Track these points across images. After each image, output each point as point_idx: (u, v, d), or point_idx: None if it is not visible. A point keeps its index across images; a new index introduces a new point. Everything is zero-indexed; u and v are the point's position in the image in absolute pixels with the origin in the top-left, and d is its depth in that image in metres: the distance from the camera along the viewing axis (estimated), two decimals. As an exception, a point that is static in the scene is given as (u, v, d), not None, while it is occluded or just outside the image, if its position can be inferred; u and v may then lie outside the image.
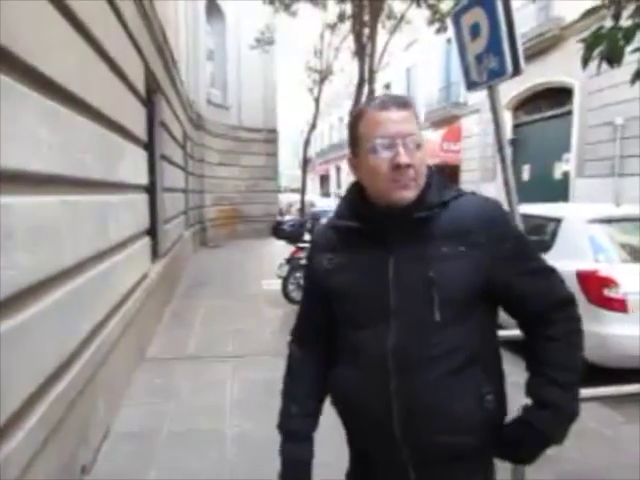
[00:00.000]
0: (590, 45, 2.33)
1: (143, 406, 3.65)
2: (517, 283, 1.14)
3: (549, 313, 1.15)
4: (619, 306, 3.65)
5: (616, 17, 2.18)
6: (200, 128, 13.44)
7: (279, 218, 8.16)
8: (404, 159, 1.06)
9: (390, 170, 1.08)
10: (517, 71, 3.09)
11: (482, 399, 1.11)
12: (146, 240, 4.99)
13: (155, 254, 6.18)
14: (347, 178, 33.37)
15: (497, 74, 3.17)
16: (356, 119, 1.15)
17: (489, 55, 3.21)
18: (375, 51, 8.77)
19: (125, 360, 3.87)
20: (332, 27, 12.13)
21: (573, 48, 11.90)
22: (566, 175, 12.34)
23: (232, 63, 15.85)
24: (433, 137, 17.68)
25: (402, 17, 10.83)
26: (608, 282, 3.70)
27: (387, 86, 24.81)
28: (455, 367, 1.09)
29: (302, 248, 6.83)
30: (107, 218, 3.37)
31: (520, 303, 1.17)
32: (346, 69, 18.71)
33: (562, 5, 12.01)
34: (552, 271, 1.18)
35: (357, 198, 1.20)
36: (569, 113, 12.23)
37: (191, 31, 12.52)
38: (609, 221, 4.26)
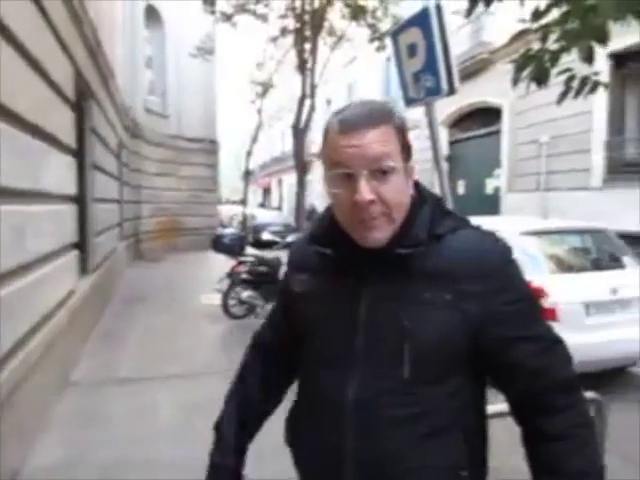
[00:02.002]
0: (520, 66, 2.42)
1: (64, 436, 3.37)
2: (513, 351, 0.92)
3: (550, 397, 0.92)
4: (550, 315, 3.80)
5: (543, 40, 2.28)
6: (137, 136, 12.98)
7: (219, 231, 7.97)
8: (362, 196, 0.87)
9: (351, 208, 0.89)
10: (452, 90, 3.19)
11: (455, 474, 0.93)
12: (73, 254, 4.69)
13: (84, 269, 5.83)
14: (289, 191, 33.43)
15: (433, 92, 3.25)
16: (324, 135, 0.96)
17: (426, 74, 3.28)
18: (316, 66, 8.86)
19: (45, 384, 3.58)
20: (274, 40, 12.13)
21: (501, 71, 12.62)
22: (497, 190, 12.97)
23: (172, 71, 15.49)
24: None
25: (342, 35, 11.03)
26: (539, 292, 3.85)
27: (328, 101, 25.15)
28: (424, 433, 0.92)
29: (243, 262, 6.68)
30: (25, 230, 3.12)
31: (514, 377, 0.95)
32: (288, 83, 18.74)
33: (491, 31, 12.70)
34: (558, 342, 0.96)
35: (332, 221, 1.00)
36: (499, 132, 12.88)
37: (128, 36, 12.11)
38: (539, 233, 4.47)
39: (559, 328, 4.02)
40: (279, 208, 33.00)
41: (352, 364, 0.95)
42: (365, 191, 0.87)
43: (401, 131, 0.92)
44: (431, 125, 3.40)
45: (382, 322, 0.94)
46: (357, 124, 0.89)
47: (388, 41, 9.39)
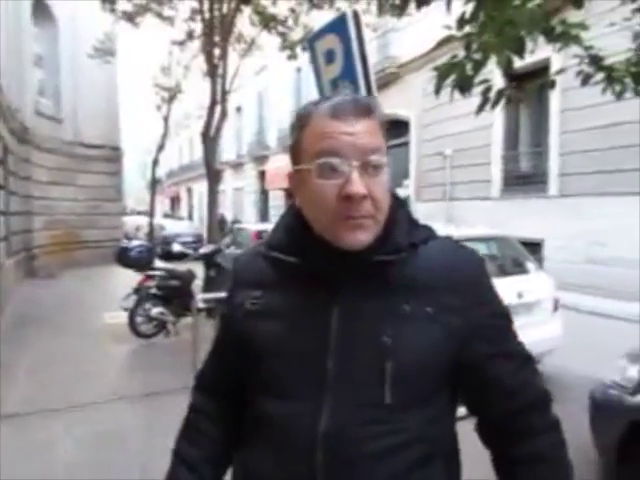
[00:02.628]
0: (442, 74, 2.44)
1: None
2: (493, 368, 0.87)
3: (527, 417, 0.88)
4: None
5: (467, 49, 2.30)
6: (26, 142, 11.83)
7: (124, 243, 7.42)
8: (357, 188, 0.77)
9: (338, 202, 0.79)
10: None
11: None
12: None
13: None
14: (200, 200, 32.48)
15: (351, 100, 3.23)
16: (299, 124, 0.85)
17: (344, 81, 3.24)
18: (227, 72, 8.62)
19: None
20: (180, 44, 11.68)
21: (409, 84, 13.19)
22: (407, 199, 13.49)
23: (67, 72, 14.36)
24: (286, 162, 17.98)
25: (253, 42, 10.88)
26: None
27: (238, 109, 24.85)
28: (407, 466, 0.81)
29: (152, 276, 6.25)
30: None
31: (491, 396, 0.88)
32: (196, 89, 18.19)
33: (398, 46, 13.27)
34: (531, 358, 0.93)
35: (298, 225, 0.89)
36: (407, 143, 13.43)
37: (12, 33, 11.04)
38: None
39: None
40: (190, 218, 31.93)
41: (322, 391, 0.82)
42: (360, 183, 0.78)
43: (384, 126, 0.85)
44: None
45: (358, 340, 0.82)
46: (350, 110, 0.81)
47: (299, 50, 9.41)
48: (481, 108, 2.60)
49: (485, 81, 2.46)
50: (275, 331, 0.87)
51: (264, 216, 22.60)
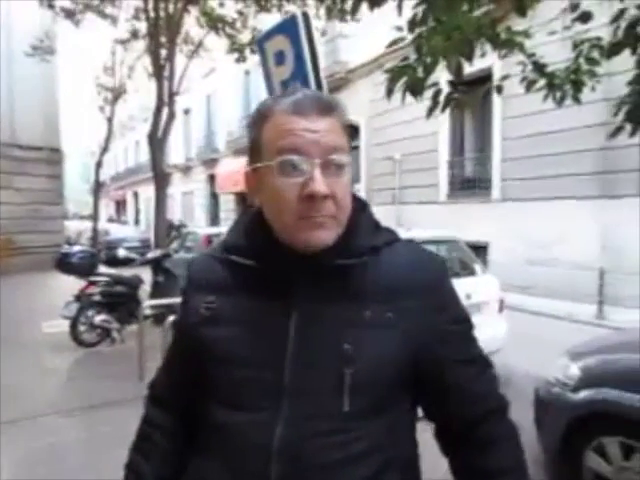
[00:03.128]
0: (394, 76, 2.46)
1: None
2: (453, 375, 0.85)
3: (487, 425, 0.86)
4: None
5: (418, 51, 2.33)
6: (-43, 142, 11.09)
7: (65, 249, 7.07)
8: (319, 187, 0.75)
9: (299, 201, 0.76)
10: (321, 100, 3.18)
11: None
12: None
13: None
14: (147, 204, 31.54)
15: (302, 102, 3.21)
16: (259, 120, 0.82)
17: (295, 82, 3.23)
18: (174, 74, 8.40)
19: None
20: (123, 43, 11.31)
21: (358, 90, 13.37)
22: (367, 202, 13.68)
23: (2, 71, 13.59)
24: (237, 165, 17.83)
25: (200, 43, 10.67)
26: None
27: (186, 111, 24.35)
28: (366, 476, 0.78)
29: (95, 282, 5.98)
30: None
31: (451, 403, 0.87)
32: (142, 90, 17.67)
33: (347, 51, 13.42)
34: (491, 366, 0.91)
35: (256, 227, 0.86)
36: (357, 148, 13.59)
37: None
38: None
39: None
40: (136, 222, 30.93)
41: (278, 401, 0.78)
42: (322, 182, 0.76)
43: (347, 128, 0.83)
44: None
45: (317, 347, 0.79)
46: (314, 108, 0.78)
47: (248, 53, 9.32)
48: (431, 112, 2.65)
49: (435, 84, 2.51)
50: (230, 337, 0.83)
51: (214, 220, 22.22)
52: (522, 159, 9.11)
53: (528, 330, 6.03)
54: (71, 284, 6.42)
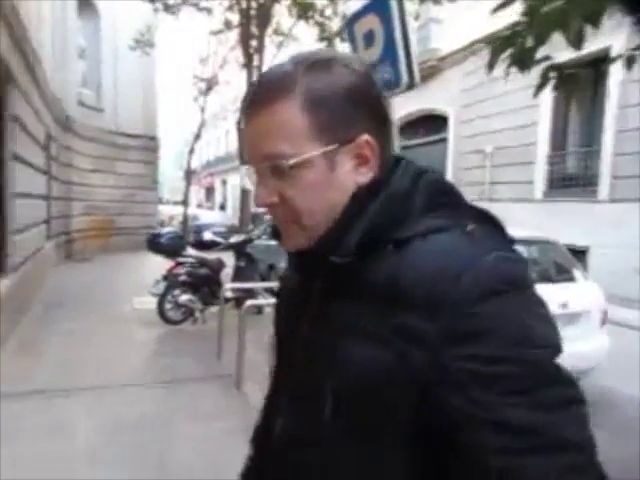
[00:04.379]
0: (498, 48, 2.21)
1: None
2: (471, 437, 0.55)
3: None
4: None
5: (529, 15, 2.03)
6: (69, 130, 12.11)
7: (156, 230, 7.46)
8: (256, 200, 0.69)
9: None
10: (412, 84, 3.00)
11: None
12: (-16, 253, 4.13)
13: (1, 269, 5.22)
14: (234, 192, 32.74)
15: (391, 85, 3.05)
16: None
17: (384, 65, 3.08)
18: (263, 64, 8.52)
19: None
20: (216, 34, 11.67)
21: (448, 79, 12.81)
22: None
23: (108, 63, 14.64)
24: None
25: (289, 32, 10.75)
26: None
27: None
28: None
29: (182, 263, 6.24)
30: None
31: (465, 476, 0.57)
32: (234, 82, 18.20)
33: (439, 38, 12.92)
34: (577, 447, 0.54)
35: None
36: (445, 140, 13.09)
37: (58, 26, 11.31)
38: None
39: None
40: (222, 208, 32.22)
41: (281, 399, 0.77)
42: (259, 193, 0.68)
43: (320, 100, 0.63)
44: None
45: (316, 349, 0.69)
46: (250, 102, 0.67)
47: (337, 42, 9.24)
48: (540, 89, 2.36)
49: (547, 58, 2.21)
50: (278, 318, 0.86)
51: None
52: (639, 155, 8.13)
53: (633, 349, 5.34)
54: (160, 264, 6.76)
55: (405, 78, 2.92)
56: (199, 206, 33.86)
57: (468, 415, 0.55)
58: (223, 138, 35.10)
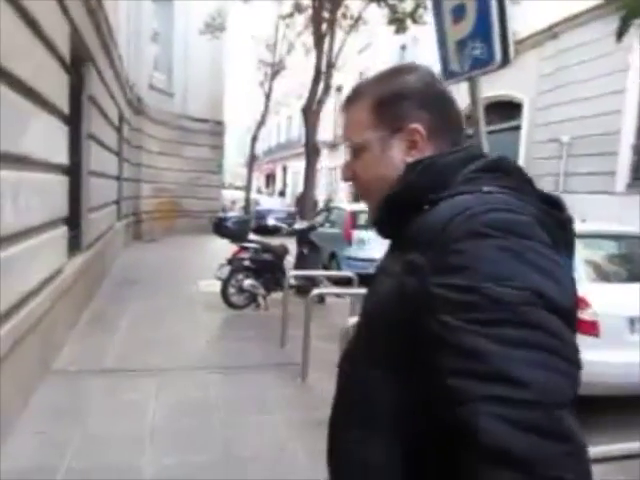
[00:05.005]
0: (632, 12, 1.93)
1: (39, 435, 2.96)
2: (435, 359, 0.62)
3: (468, 467, 0.57)
4: (590, 330, 3.37)
5: None
6: (140, 113, 12.48)
7: (222, 214, 7.52)
8: (341, 174, 0.95)
9: None
10: (506, 61, 2.73)
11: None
12: (62, 230, 4.26)
13: (76, 246, 5.40)
14: (294, 179, 32.92)
15: (482, 63, 2.78)
16: None
17: (475, 40, 2.83)
18: (333, 45, 8.33)
19: (21, 373, 3.16)
20: (287, 17, 11.58)
21: (525, 63, 12.06)
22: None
23: (179, 48, 14.95)
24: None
25: (359, 17, 10.47)
26: (580, 303, 3.42)
27: (338, 88, 24.58)
28: (354, 424, 0.78)
29: (246, 248, 6.24)
30: None
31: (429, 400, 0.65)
32: (298, 68, 18.14)
33: (516, 20, 12.15)
34: (527, 385, 0.56)
35: None
36: (518, 127, 12.39)
37: (133, 10, 11.61)
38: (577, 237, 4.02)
39: (599, 344, 3.50)
40: (282, 195, 32.49)
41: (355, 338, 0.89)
42: (342, 170, 0.92)
43: (382, 101, 0.85)
44: (475, 105, 2.94)
45: (367, 296, 0.88)
46: (343, 104, 0.92)
47: (409, 23, 8.89)
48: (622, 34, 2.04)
49: None
50: None
51: (357, 197, 22.28)
52: None
53: None
54: (224, 247, 6.81)
55: (499, 55, 2.65)
56: (259, 192, 34.33)
57: (438, 336, 0.62)
58: (284, 125, 35.28)
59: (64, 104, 4.15)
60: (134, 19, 11.79)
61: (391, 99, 0.83)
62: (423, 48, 16.89)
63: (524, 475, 0.52)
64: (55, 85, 3.84)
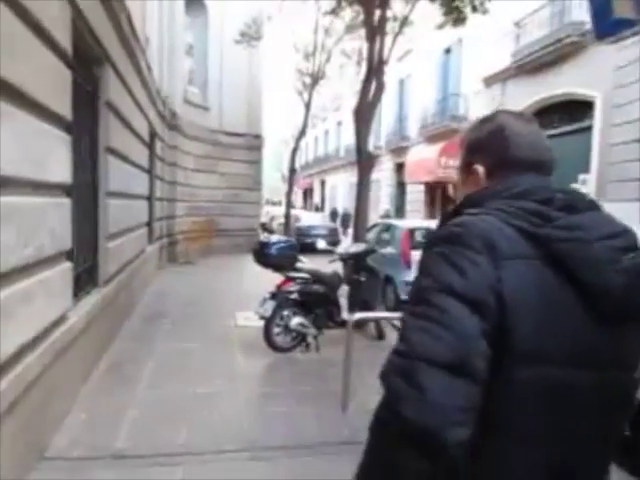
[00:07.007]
0: None
1: None
2: None
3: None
4: None
5: None
6: (174, 128, 11.78)
7: (263, 237, 6.50)
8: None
9: None
10: None
11: None
12: (63, 267, 3.33)
13: (90, 283, 4.52)
14: (331, 193, 31.93)
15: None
16: None
17: None
18: (384, 40, 7.29)
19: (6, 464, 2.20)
20: (330, 14, 10.66)
21: (594, 56, 10.59)
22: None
23: (214, 61, 14.30)
24: (429, 153, 16.35)
25: (406, 18, 9.43)
26: None
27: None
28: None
29: (293, 278, 5.18)
30: None
31: None
32: (334, 79, 17.23)
33: (582, 10, 10.84)
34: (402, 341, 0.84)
35: None
36: (588, 129, 11.00)
37: (166, 23, 11.00)
38: None
39: None
40: (317, 209, 31.40)
41: None
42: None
43: (466, 147, 1.13)
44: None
45: None
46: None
47: (468, 11, 7.80)
48: None
49: None
50: None
51: (399, 211, 21.05)
52: None
53: None
54: (265, 272, 5.74)
55: None
56: (293, 207, 33.50)
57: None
58: (322, 138, 34.48)
59: (65, 107, 3.25)
60: (167, 33, 11.20)
61: (469, 146, 1.12)
62: (469, 48, 15.69)
63: (388, 403, 0.80)
64: (48, 81, 2.94)
